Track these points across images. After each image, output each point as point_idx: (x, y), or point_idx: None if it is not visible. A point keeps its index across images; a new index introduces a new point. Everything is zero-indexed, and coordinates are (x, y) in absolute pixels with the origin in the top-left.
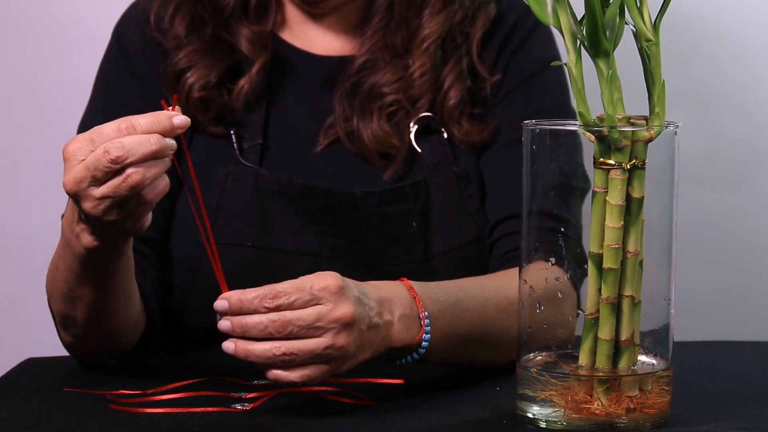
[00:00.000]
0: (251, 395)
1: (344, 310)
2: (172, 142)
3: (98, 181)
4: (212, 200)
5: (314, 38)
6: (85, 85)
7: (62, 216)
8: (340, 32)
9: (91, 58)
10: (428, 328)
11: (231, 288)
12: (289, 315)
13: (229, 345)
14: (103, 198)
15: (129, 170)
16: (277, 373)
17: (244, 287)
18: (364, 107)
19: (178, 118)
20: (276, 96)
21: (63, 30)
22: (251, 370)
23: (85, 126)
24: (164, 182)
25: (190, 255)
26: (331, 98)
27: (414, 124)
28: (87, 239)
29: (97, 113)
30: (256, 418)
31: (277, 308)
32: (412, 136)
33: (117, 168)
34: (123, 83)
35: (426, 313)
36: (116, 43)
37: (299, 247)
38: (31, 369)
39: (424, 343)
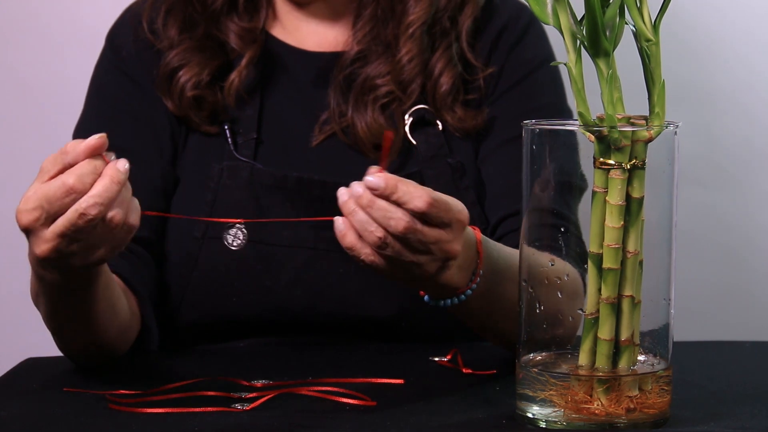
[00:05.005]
0: (251, 395)
1: (457, 247)
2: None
3: (72, 237)
4: (208, 196)
5: (305, 34)
6: (85, 84)
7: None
8: (330, 25)
9: (90, 58)
10: (474, 286)
11: (225, 286)
12: (418, 225)
13: (338, 219)
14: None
15: (111, 214)
16: (354, 242)
17: (242, 281)
18: (358, 100)
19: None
20: (269, 92)
21: (63, 30)
22: (251, 370)
23: (80, 131)
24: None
25: (187, 251)
26: (325, 94)
27: (409, 116)
28: (50, 276)
29: (92, 118)
30: (256, 418)
31: (421, 212)
32: (407, 128)
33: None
34: (118, 86)
35: (480, 272)
36: (110, 47)
37: (295, 240)
38: (31, 369)
39: (463, 296)
